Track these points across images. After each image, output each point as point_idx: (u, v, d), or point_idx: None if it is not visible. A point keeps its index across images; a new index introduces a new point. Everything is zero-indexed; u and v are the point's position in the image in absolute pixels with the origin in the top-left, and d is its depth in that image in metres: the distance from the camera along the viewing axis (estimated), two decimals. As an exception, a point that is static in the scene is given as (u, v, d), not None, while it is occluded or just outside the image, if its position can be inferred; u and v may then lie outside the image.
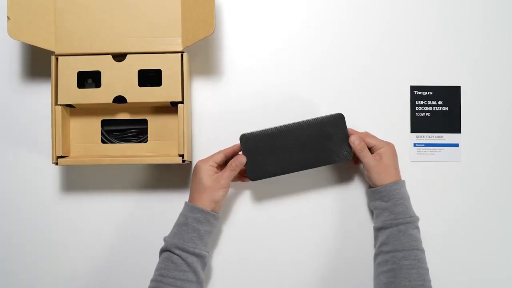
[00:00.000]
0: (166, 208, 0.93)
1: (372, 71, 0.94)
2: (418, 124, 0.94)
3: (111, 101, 0.86)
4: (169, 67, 0.86)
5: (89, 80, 0.89)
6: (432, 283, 0.91)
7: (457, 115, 0.94)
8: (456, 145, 0.94)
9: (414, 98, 0.94)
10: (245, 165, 0.87)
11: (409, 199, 0.87)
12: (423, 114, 0.94)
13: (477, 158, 0.94)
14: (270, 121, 0.93)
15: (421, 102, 0.94)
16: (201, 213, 0.84)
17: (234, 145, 0.89)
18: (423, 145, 0.94)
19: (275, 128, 0.87)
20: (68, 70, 0.86)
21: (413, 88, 0.94)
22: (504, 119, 0.94)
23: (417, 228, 0.85)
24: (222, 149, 0.89)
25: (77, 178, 0.94)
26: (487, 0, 0.95)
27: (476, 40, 0.95)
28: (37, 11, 0.85)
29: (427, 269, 0.83)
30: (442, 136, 0.94)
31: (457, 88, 0.94)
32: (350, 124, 0.93)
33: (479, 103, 0.94)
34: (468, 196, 0.94)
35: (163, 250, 0.85)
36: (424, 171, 0.94)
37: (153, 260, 0.92)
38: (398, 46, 0.95)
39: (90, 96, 0.86)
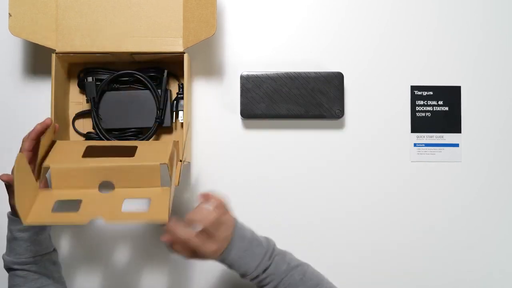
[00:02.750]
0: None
1: (372, 71, 0.95)
2: (418, 124, 0.94)
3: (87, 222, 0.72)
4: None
5: (89, 79, 0.89)
6: (432, 283, 0.90)
7: (457, 115, 0.94)
8: (457, 145, 0.94)
9: (414, 98, 0.94)
10: (240, 102, 0.91)
11: (250, 246, 0.74)
12: (423, 114, 0.94)
13: (477, 158, 0.94)
14: (269, 122, 0.94)
15: (421, 102, 0.94)
16: (20, 223, 0.74)
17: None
18: (424, 145, 0.93)
19: (276, 73, 0.91)
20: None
21: (413, 88, 0.94)
22: (504, 119, 0.94)
23: (272, 263, 0.74)
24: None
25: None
26: (487, 0, 0.96)
27: (476, 40, 0.95)
28: (39, 8, 0.86)
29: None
30: (442, 136, 0.94)
31: (457, 88, 0.94)
32: (350, 124, 0.93)
33: (479, 103, 0.95)
34: (468, 196, 0.94)
35: (7, 268, 0.81)
36: (424, 171, 0.93)
37: (152, 259, 0.92)
38: (398, 46, 0.95)
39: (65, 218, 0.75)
